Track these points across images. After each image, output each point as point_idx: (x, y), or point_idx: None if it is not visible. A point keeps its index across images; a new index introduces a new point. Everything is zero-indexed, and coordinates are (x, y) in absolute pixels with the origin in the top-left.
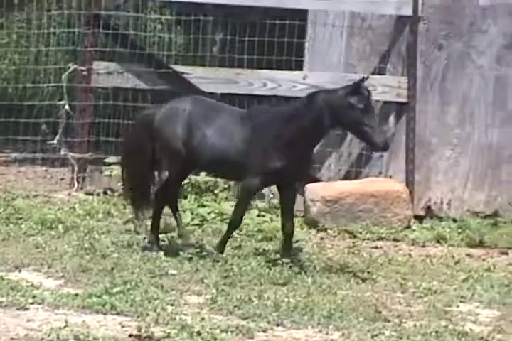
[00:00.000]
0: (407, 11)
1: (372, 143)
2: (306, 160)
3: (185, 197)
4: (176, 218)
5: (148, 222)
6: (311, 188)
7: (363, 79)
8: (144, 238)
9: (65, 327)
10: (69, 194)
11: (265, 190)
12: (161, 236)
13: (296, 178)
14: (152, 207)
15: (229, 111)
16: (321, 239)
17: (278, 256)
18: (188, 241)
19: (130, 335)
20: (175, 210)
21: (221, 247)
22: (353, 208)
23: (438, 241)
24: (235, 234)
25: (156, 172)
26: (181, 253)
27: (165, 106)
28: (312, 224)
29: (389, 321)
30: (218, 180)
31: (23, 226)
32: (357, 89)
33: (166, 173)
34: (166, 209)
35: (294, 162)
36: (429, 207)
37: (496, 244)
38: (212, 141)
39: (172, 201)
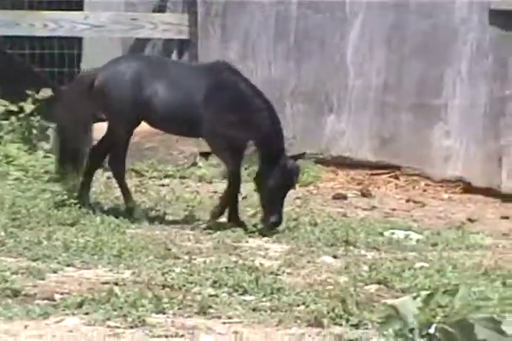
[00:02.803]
0: None
1: (266, 217)
2: None
3: None
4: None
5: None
6: (98, 127)
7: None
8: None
9: None
10: None
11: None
12: None
13: None
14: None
15: (181, 65)
16: (108, 178)
17: (66, 196)
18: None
19: None
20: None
21: (217, 213)
22: (138, 146)
23: (224, 178)
24: (21, 176)
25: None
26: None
27: (105, 66)
28: None
29: (179, 258)
30: None
31: None
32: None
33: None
34: None
35: None
36: None
37: None
38: (169, 96)
39: (119, 169)
